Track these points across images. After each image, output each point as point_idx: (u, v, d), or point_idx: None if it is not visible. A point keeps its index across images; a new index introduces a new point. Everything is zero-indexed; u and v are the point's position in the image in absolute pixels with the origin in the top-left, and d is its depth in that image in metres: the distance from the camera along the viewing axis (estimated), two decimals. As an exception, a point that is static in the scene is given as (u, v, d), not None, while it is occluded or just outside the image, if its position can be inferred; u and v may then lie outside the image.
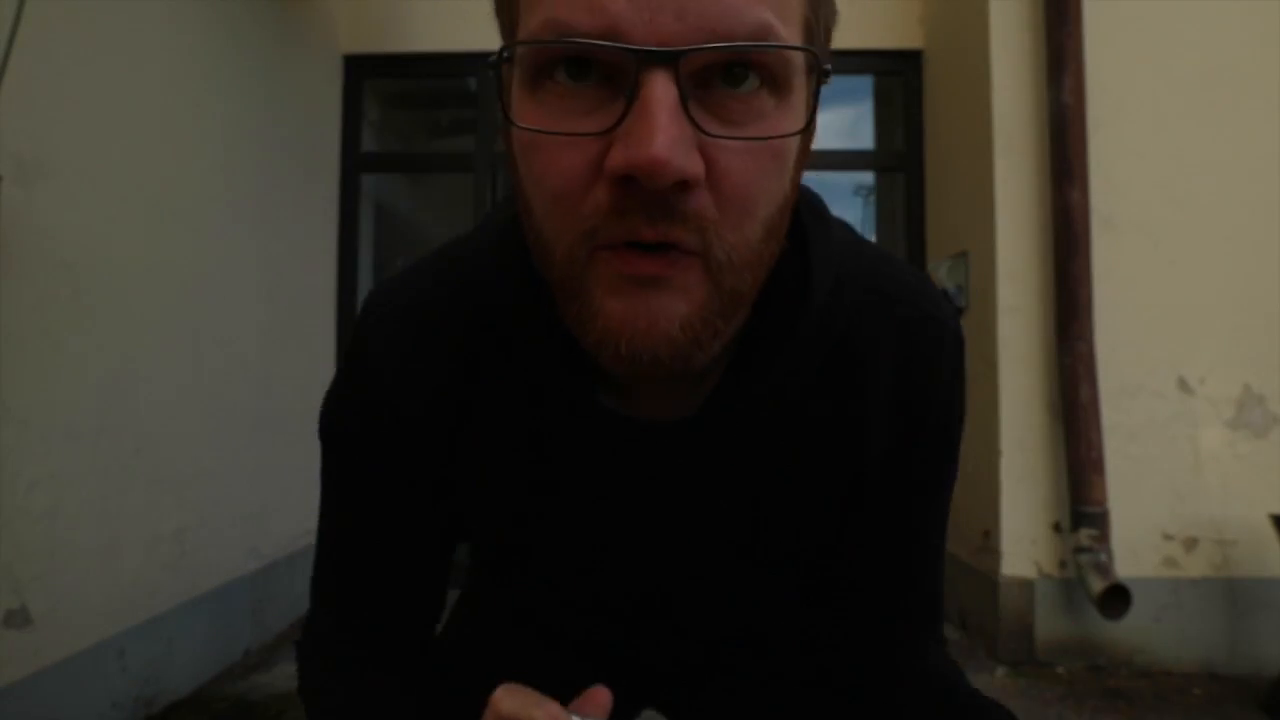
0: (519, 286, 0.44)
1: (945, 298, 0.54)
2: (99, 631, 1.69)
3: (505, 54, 0.35)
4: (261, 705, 1.96)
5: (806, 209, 0.48)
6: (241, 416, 2.28)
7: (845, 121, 3.41)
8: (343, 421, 0.54)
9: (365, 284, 3.15)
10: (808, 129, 0.36)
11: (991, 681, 2.12)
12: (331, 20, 2.92)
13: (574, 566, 0.56)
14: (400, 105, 3.74)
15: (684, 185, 0.32)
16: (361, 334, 0.52)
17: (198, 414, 2.07)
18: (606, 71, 0.33)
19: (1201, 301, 2.24)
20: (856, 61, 3.05)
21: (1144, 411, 2.24)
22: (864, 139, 3.35)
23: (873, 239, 3.73)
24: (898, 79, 3.07)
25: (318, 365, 2.83)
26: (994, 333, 2.31)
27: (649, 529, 0.52)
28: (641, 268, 0.34)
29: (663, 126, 0.30)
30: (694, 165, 0.32)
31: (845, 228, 0.51)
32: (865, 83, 3.28)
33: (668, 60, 0.30)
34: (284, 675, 2.16)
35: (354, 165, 3.05)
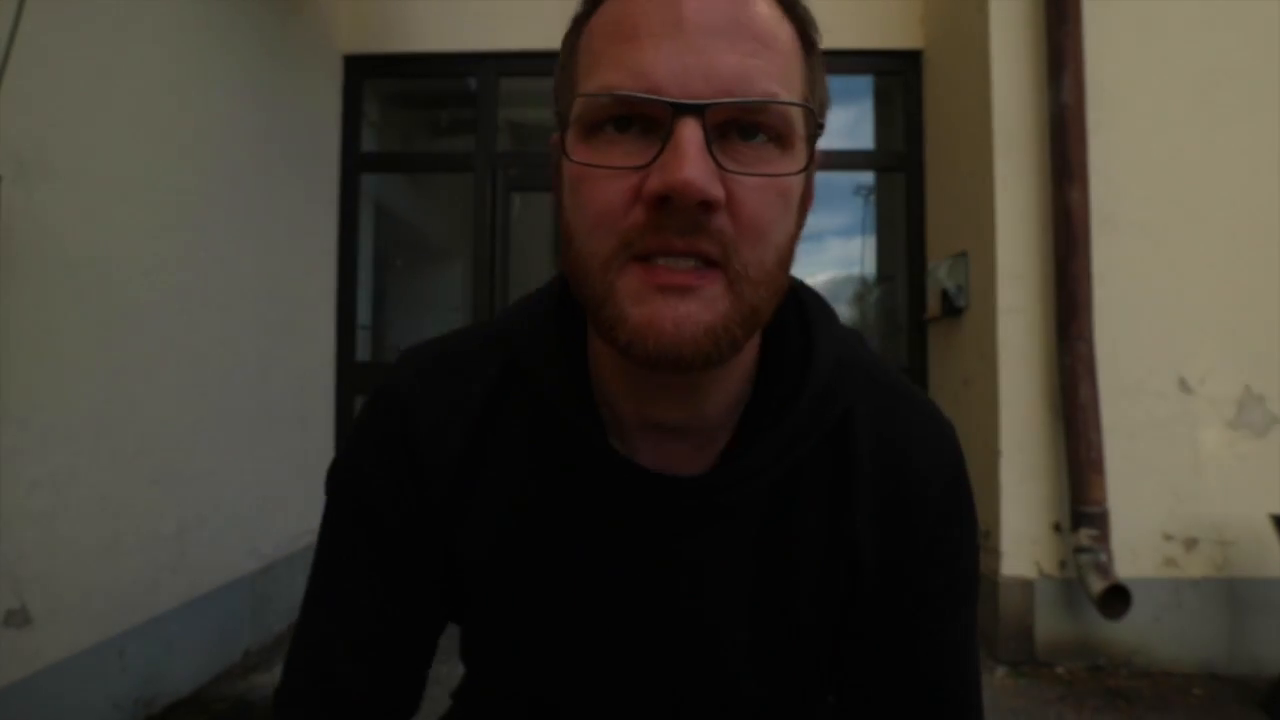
0: (546, 341, 0.51)
1: (945, 417, 0.57)
2: (99, 631, 1.69)
3: (568, 107, 0.44)
4: (261, 705, 1.96)
5: (812, 300, 0.55)
6: (241, 416, 2.28)
7: (845, 121, 3.41)
8: (360, 466, 0.54)
9: (365, 284, 3.15)
10: (806, 172, 0.45)
11: (991, 681, 2.12)
12: (331, 20, 2.92)
13: (574, 639, 0.54)
14: (400, 105, 3.74)
15: (708, 206, 0.39)
16: (392, 381, 0.55)
17: (198, 414, 2.07)
18: (646, 125, 0.41)
19: (1201, 301, 2.24)
20: (856, 61, 3.05)
21: (1144, 411, 2.24)
22: (864, 139, 3.35)
23: (873, 239, 3.73)
24: (898, 79, 3.07)
25: (318, 365, 2.83)
26: (994, 333, 2.31)
27: (655, 593, 0.52)
28: (672, 279, 0.40)
29: (691, 158, 0.38)
30: (716, 189, 0.39)
31: (855, 331, 0.57)
32: (865, 83, 3.28)
33: (696, 111, 0.39)
34: (284, 675, 2.16)
35: (354, 165, 3.05)
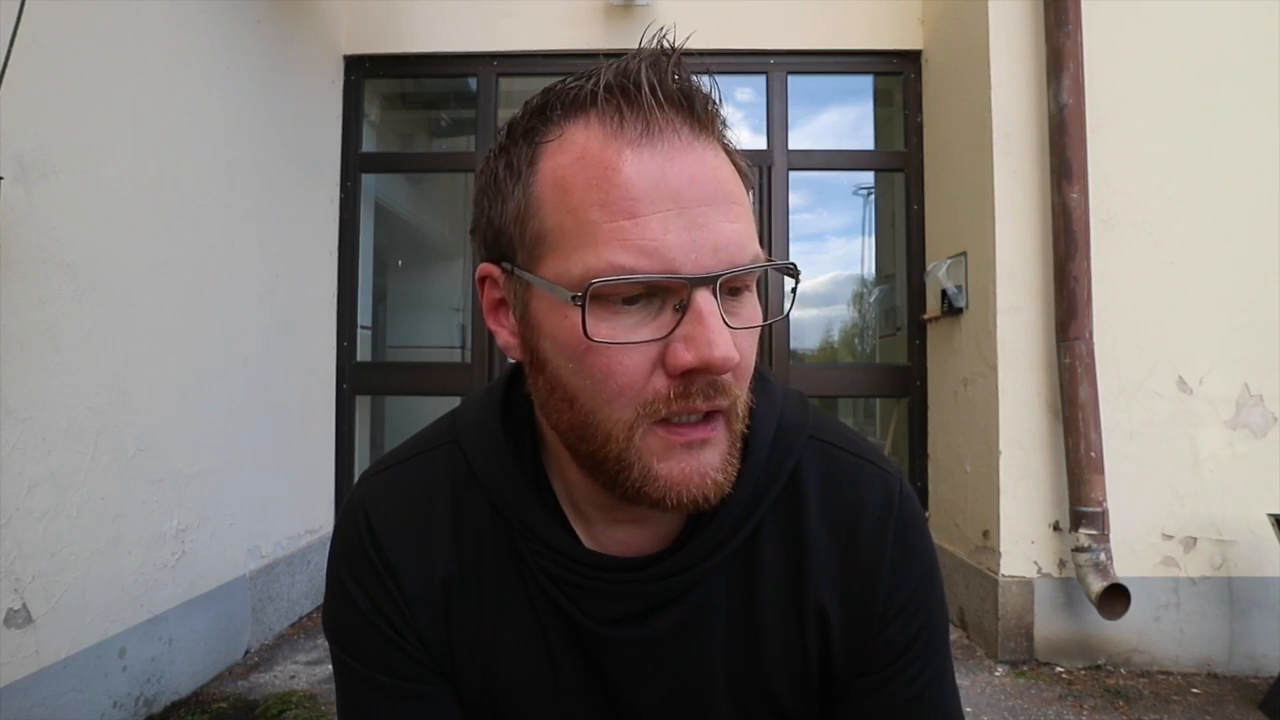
0: (506, 454, 0.53)
1: (889, 461, 0.59)
2: (100, 631, 1.70)
3: (580, 293, 0.42)
4: (261, 705, 1.96)
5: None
6: (241, 416, 2.28)
7: (845, 121, 3.41)
8: (354, 624, 0.55)
9: (365, 284, 3.15)
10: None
11: (991, 681, 2.12)
12: (331, 20, 2.93)
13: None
14: (400, 105, 3.74)
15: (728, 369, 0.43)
16: (360, 513, 0.56)
17: (198, 414, 2.07)
18: (653, 295, 0.43)
19: (1201, 301, 2.24)
20: (856, 61, 3.06)
21: (1143, 411, 2.24)
22: (864, 139, 3.35)
23: (873, 239, 3.72)
24: (898, 79, 3.07)
25: (318, 365, 2.83)
26: (994, 333, 2.31)
27: (635, 675, 0.53)
28: (693, 435, 0.44)
29: (719, 331, 0.41)
30: (735, 354, 0.42)
31: (795, 393, 0.59)
32: (865, 83, 3.28)
33: (711, 283, 0.41)
34: (284, 675, 2.17)
35: (354, 165, 3.05)
